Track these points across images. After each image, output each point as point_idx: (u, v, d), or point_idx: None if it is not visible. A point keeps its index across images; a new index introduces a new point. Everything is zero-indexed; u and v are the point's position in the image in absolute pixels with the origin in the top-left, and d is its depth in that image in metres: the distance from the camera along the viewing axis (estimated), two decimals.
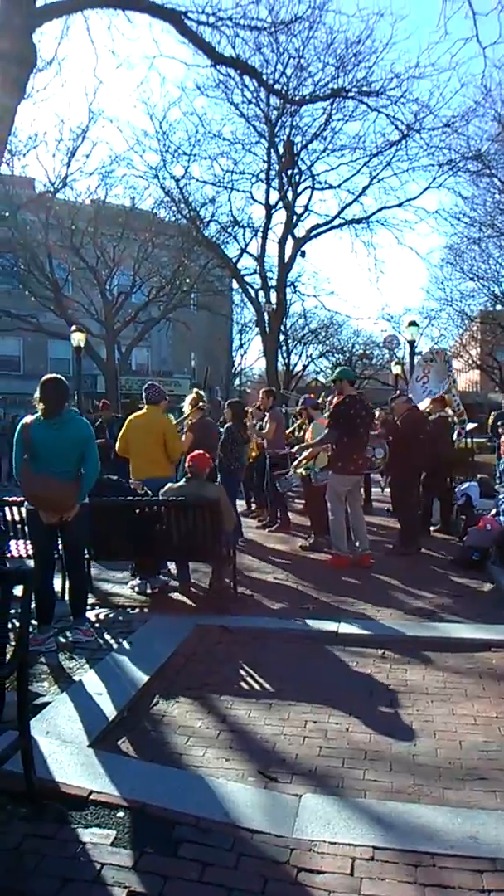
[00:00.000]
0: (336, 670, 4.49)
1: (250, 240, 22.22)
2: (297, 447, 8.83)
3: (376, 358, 38.29)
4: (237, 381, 42.42)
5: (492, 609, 5.74)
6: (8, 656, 2.81)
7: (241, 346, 41.03)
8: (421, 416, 8.73)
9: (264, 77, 13.72)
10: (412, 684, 4.20)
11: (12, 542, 5.93)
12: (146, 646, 4.72)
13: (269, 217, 20.88)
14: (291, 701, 3.95)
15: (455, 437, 10.05)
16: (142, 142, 19.86)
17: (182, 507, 5.66)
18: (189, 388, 30.15)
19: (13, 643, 2.87)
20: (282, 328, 27.37)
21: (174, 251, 23.88)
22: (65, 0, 6.45)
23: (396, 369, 18.69)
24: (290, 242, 21.00)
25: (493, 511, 7.90)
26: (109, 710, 3.68)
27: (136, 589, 6.27)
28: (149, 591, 6.23)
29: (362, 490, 9.08)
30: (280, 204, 20.72)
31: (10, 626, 2.89)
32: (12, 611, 2.88)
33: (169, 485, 6.12)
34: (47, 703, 3.75)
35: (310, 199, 21.37)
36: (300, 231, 21.28)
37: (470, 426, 11.50)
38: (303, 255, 22.21)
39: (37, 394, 4.73)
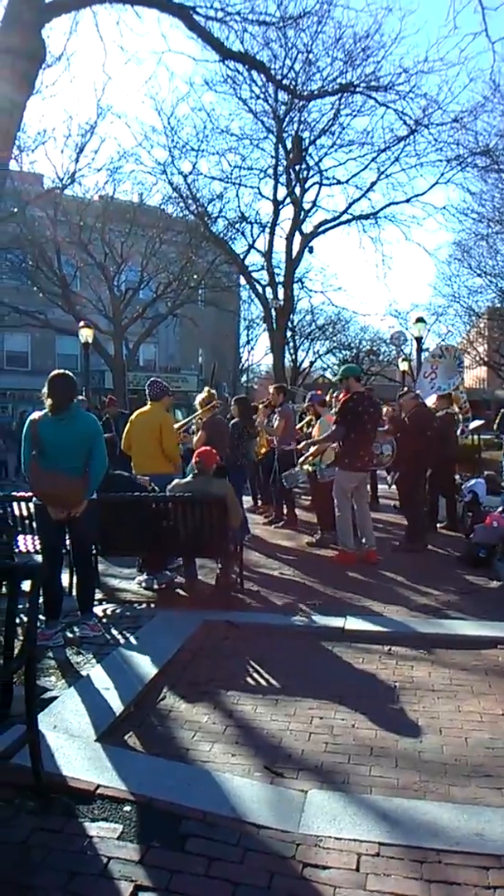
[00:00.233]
0: (342, 667, 4.49)
1: (258, 236, 22.19)
2: (302, 443, 8.82)
3: (383, 354, 38.25)
4: (244, 378, 42.43)
5: (498, 606, 5.72)
6: (16, 651, 2.83)
7: (248, 343, 41.09)
8: (429, 412, 8.71)
9: (272, 72, 13.70)
10: (418, 681, 4.20)
11: (20, 538, 5.96)
12: (153, 641, 4.73)
13: (276, 213, 20.84)
14: (297, 697, 3.96)
15: (458, 434, 10.02)
16: (150, 137, 19.90)
17: (189, 504, 5.67)
18: (197, 384, 30.29)
19: (21, 638, 2.89)
20: (289, 324, 27.38)
21: (182, 247, 23.85)
22: None
23: (403, 366, 18.68)
24: (297, 238, 20.96)
25: (500, 508, 7.87)
26: (117, 705, 3.70)
27: (144, 584, 6.30)
28: (156, 586, 6.25)
29: (368, 486, 9.07)
30: (288, 200, 20.67)
31: (18, 620, 2.91)
32: (20, 606, 2.89)
33: (176, 481, 6.14)
34: (55, 698, 3.77)
35: (317, 195, 21.37)
36: (308, 227, 21.26)
37: (476, 423, 11.48)
38: (310, 250, 22.21)
39: (44, 390, 4.74)
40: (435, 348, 14.06)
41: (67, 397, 4.73)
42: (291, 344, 34.31)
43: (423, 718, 3.69)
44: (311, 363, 40.00)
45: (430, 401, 9.63)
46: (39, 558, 5.27)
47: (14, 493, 6.03)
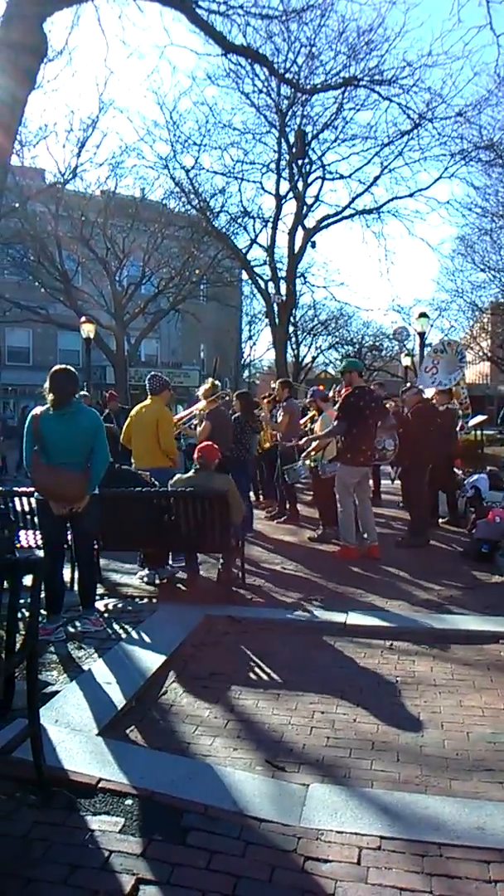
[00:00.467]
0: (344, 661, 4.49)
1: (260, 230, 22.20)
2: (304, 439, 8.80)
3: (386, 350, 38.20)
4: (246, 373, 42.39)
5: (500, 601, 5.71)
6: (18, 646, 2.83)
7: (250, 338, 41.04)
8: (432, 408, 8.69)
9: (275, 66, 13.65)
10: (420, 676, 4.20)
11: (22, 533, 5.98)
12: (155, 636, 4.74)
13: (279, 207, 20.83)
14: (299, 691, 3.96)
15: (458, 429, 10.01)
16: (152, 132, 19.94)
17: (191, 499, 5.67)
18: (199, 379, 30.22)
19: (23, 633, 2.89)
20: (291, 319, 27.33)
21: (184, 242, 23.83)
22: None
23: (406, 361, 18.65)
24: (300, 233, 20.94)
25: (503, 503, 7.87)
26: (118, 699, 3.71)
27: (145, 579, 6.30)
28: (157, 581, 6.26)
29: (371, 482, 9.06)
30: (290, 194, 20.67)
31: (19, 615, 2.91)
32: (22, 600, 2.90)
33: (178, 476, 6.14)
34: (57, 692, 3.78)
35: (320, 190, 21.34)
36: (310, 221, 21.24)
37: (478, 419, 11.46)
38: (313, 245, 22.18)
39: (46, 385, 4.74)
40: (437, 343, 14.03)
41: (69, 392, 4.72)
42: (294, 339, 34.31)
43: (424, 713, 3.69)
44: (314, 358, 39.99)
45: (428, 394, 9.60)
46: (41, 553, 5.27)
47: (16, 489, 6.03)
